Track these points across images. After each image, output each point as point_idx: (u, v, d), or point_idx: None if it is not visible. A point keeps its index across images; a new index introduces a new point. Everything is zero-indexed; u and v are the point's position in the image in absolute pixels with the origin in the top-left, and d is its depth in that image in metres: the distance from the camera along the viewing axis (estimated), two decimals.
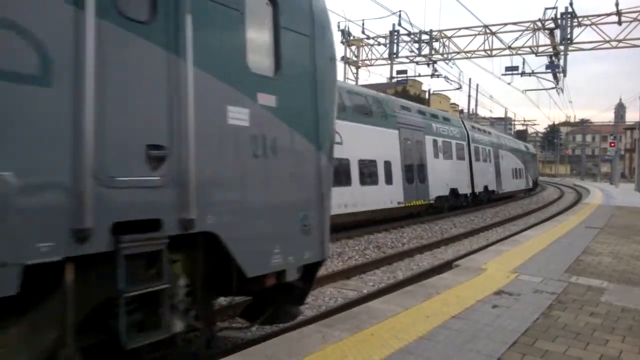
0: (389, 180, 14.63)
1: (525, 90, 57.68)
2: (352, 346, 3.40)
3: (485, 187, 23.04)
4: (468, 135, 21.91)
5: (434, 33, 27.80)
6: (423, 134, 17.25)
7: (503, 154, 27.33)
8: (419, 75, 32.78)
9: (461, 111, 64.35)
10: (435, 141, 18.07)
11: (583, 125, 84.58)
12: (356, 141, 12.97)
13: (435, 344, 3.50)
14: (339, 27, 28.87)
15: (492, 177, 24.54)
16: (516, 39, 27.04)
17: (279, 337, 3.64)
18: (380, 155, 14.35)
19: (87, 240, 2.67)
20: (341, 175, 12.33)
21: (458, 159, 20.09)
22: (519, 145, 35.47)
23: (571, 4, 24.28)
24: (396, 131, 15.41)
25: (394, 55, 28.68)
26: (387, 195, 14.51)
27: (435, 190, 17.50)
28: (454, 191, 19.09)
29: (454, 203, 19.32)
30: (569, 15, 24.62)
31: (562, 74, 27.68)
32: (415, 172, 16.28)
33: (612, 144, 41.89)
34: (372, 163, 13.92)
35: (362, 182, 13.32)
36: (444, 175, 18.36)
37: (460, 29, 28.08)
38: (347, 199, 12.48)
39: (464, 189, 20.25)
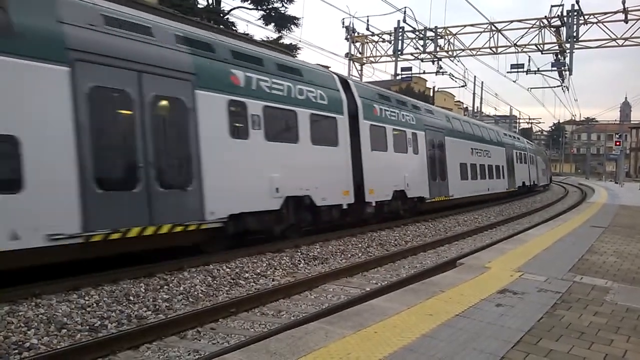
0: (502, 176, 25.17)
1: (531, 88, 57.48)
2: (355, 344, 3.40)
3: (533, 181, 33.65)
4: (527, 148, 32.99)
5: (439, 30, 27.68)
6: (512, 149, 27.97)
7: (537, 158, 37.83)
8: (424, 73, 32.58)
9: (466, 109, 63.99)
10: (517, 152, 29.01)
11: (588, 124, 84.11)
12: (495, 155, 23.93)
13: (438, 342, 3.50)
14: (343, 23, 28.79)
15: (535, 174, 35.21)
16: (522, 37, 26.93)
17: (282, 333, 3.63)
18: (500, 163, 24.91)
19: None
20: (491, 172, 22.87)
21: (524, 163, 31.15)
22: (542, 150, 48.56)
23: (577, 2, 24.13)
24: (504, 149, 26.07)
25: (399, 52, 28.56)
26: (502, 184, 24.99)
27: (518, 182, 28.29)
28: (523, 183, 30.01)
29: (523, 190, 30.06)
30: (575, 13, 24.46)
31: (567, 72, 27.55)
32: (510, 172, 26.69)
33: (618, 143, 41.70)
34: (498, 167, 24.38)
35: (497, 176, 23.89)
36: (520, 173, 29.21)
37: (465, 26, 27.91)
38: (490, 186, 22.62)
39: (528, 182, 31.47)
